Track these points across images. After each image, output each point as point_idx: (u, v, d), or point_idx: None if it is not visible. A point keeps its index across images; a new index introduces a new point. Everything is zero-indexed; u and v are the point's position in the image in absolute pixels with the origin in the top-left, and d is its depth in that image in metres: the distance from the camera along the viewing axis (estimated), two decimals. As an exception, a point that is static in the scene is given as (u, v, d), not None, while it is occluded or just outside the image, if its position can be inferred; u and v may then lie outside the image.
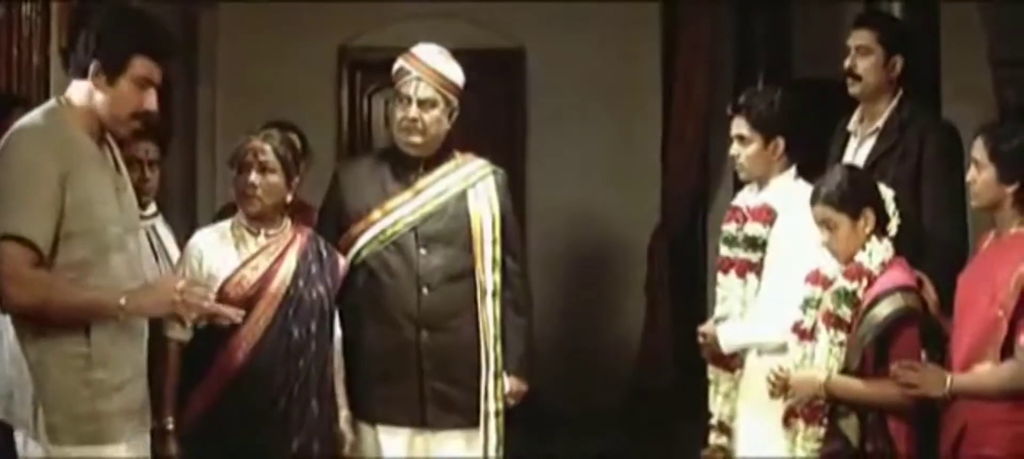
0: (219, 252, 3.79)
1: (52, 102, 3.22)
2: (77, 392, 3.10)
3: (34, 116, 3.17)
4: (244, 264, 3.76)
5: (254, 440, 3.67)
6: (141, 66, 3.16)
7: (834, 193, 3.62)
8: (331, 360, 3.89)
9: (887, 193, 3.69)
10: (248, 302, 3.67)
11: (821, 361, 3.59)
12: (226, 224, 3.87)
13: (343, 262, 3.96)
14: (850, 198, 3.61)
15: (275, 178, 3.77)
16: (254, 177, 3.75)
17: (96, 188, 3.13)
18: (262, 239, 3.81)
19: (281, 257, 3.79)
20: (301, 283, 3.78)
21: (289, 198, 3.83)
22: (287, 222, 3.87)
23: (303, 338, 3.75)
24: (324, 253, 3.88)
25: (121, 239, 3.20)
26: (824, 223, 3.63)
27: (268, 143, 3.78)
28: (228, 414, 3.66)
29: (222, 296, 3.58)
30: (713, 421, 4.10)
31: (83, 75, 3.16)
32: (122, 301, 3.10)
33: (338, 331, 3.96)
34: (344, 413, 3.98)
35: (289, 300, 3.75)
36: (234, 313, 3.32)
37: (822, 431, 3.59)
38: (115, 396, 3.16)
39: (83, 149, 3.14)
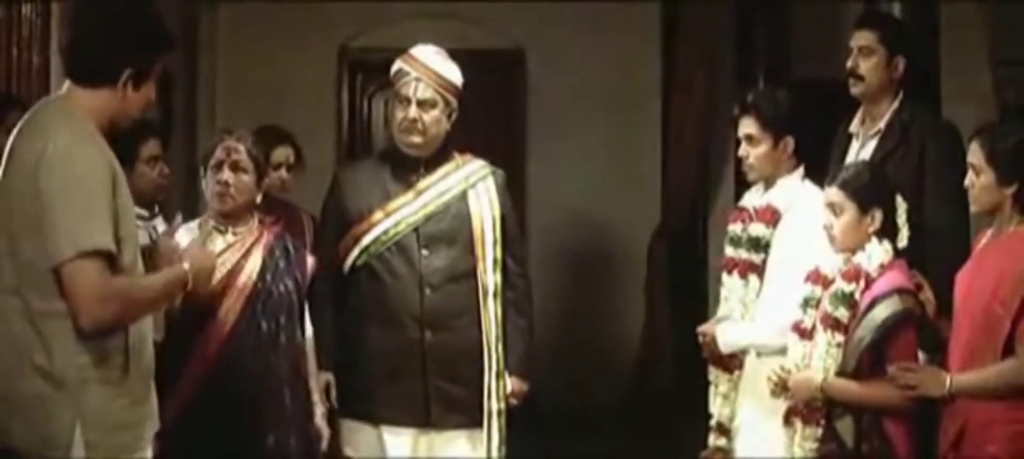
0: None
1: (60, 102, 3.00)
2: (116, 402, 2.95)
3: (58, 120, 2.93)
4: None
5: (231, 436, 3.67)
6: (160, 67, 3.08)
7: (852, 180, 3.63)
8: (304, 354, 3.90)
9: (902, 206, 3.68)
10: (216, 298, 3.67)
11: (818, 363, 3.58)
12: (193, 223, 3.89)
13: (310, 259, 3.95)
14: (865, 192, 3.61)
15: (247, 177, 3.80)
16: (227, 176, 3.78)
17: (126, 190, 2.98)
18: (230, 237, 3.82)
19: (248, 253, 3.80)
20: (269, 277, 3.78)
21: (259, 198, 3.86)
22: (254, 220, 3.88)
23: (272, 331, 3.76)
24: (291, 249, 3.89)
25: (137, 238, 3.10)
26: (832, 206, 3.63)
27: (241, 143, 3.81)
28: (204, 411, 3.65)
29: (190, 292, 3.44)
30: (712, 422, 4.10)
31: (99, 80, 2.96)
32: (189, 276, 3.09)
33: (309, 328, 3.96)
34: (320, 410, 3.97)
35: (257, 294, 3.75)
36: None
37: (820, 431, 3.59)
38: (148, 398, 3.07)
39: (109, 150, 2.97)
